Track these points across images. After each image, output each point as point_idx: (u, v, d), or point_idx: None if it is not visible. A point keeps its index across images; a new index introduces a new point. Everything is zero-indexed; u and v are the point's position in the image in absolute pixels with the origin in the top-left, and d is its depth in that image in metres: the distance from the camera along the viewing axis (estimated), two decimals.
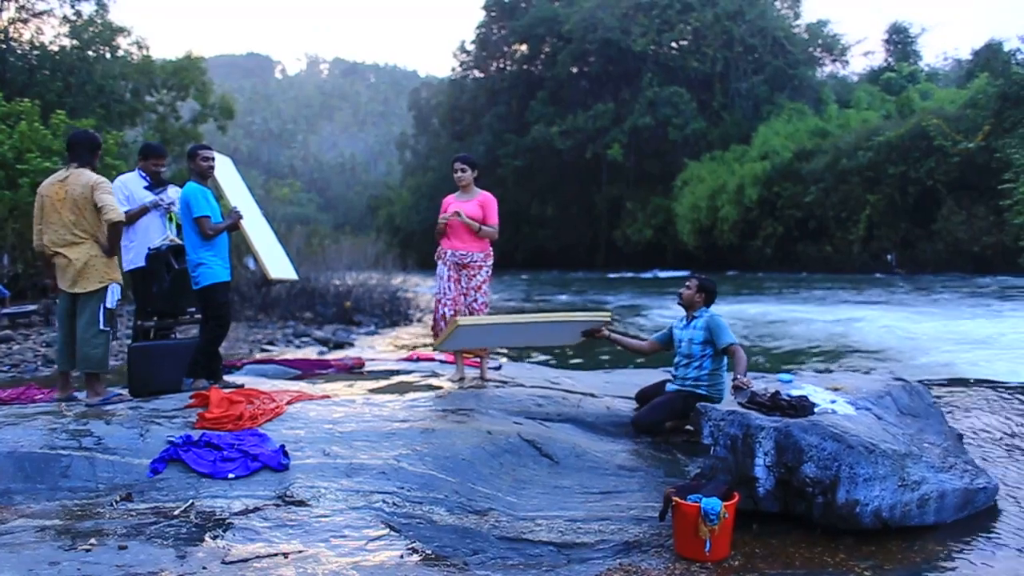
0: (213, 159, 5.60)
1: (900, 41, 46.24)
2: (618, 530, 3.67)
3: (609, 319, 5.34)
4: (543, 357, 11.48)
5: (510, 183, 51.64)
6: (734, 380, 4.50)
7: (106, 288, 5.21)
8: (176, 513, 3.46)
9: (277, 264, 6.36)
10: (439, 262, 5.84)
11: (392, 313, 18.31)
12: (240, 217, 5.64)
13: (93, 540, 3.14)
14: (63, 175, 5.22)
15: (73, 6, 26.06)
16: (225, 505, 3.58)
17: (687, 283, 5.20)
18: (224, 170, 6.03)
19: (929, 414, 4.57)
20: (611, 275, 40.55)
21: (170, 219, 5.97)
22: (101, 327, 5.22)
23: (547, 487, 4.13)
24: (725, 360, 5.01)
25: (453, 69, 62.66)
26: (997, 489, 4.05)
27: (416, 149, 70.47)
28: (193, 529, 3.29)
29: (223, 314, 5.48)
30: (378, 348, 13.05)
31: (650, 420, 4.97)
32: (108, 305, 5.24)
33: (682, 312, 5.22)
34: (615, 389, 5.83)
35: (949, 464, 3.97)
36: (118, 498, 3.66)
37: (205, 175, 5.54)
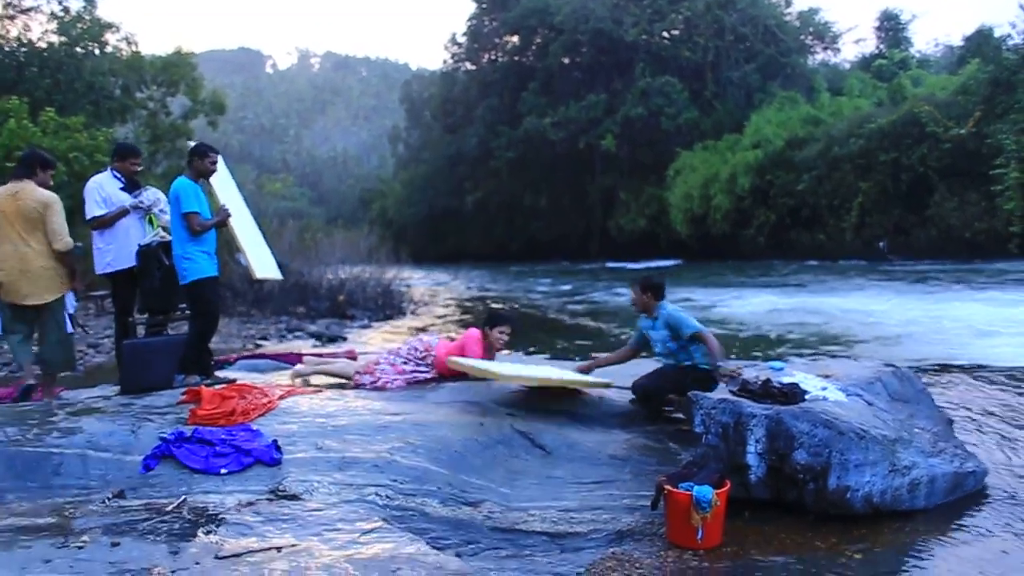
0: (217, 163, 5.62)
1: (891, 28, 46.17)
2: (611, 519, 3.69)
3: (610, 385, 5.38)
4: (535, 348, 11.48)
5: (503, 175, 51.54)
6: (715, 370, 4.52)
7: (64, 295, 5.47)
8: (169, 509, 3.46)
9: (263, 264, 6.37)
10: None
11: (385, 306, 18.29)
12: (229, 215, 5.63)
13: (86, 537, 3.14)
14: (14, 189, 5.34)
15: (60, 2, 25.86)
16: (218, 500, 3.58)
17: (632, 289, 5.27)
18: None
19: (919, 399, 4.60)
20: (610, 264, 40.57)
21: (149, 221, 5.90)
22: (68, 330, 5.47)
23: (540, 477, 4.14)
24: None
25: (445, 61, 62.50)
26: (986, 472, 4.08)
27: (408, 142, 70.25)
28: (186, 525, 3.29)
29: (211, 310, 5.48)
30: (372, 341, 13.04)
31: (654, 386, 5.01)
32: (69, 310, 5.49)
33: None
34: (608, 377, 5.83)
35: (939, 449, 4.00)
36: (110, 495, 3.66)
37: (206, 175, 5.54)
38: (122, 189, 5.89)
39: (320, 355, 7.49)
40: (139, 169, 6.13)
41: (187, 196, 5.32)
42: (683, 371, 4.97)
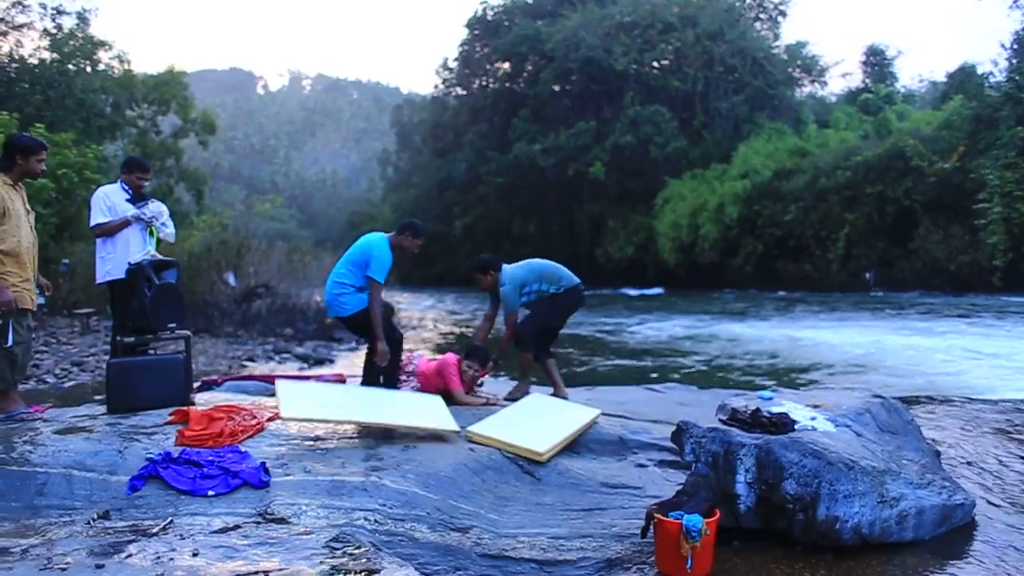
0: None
1: (877, 63, 46.91)
2: (600, 547, 3.67)
3: (599, 414, 5.45)
4: (535, 376, 11.44)
5: (492, 200, 51.70)
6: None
7: None
8: (155, 531, 3.42)
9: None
10: None
11: None
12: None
13: (69, 559, 3.09)
14: None
15: (54, 20, 25.93)
16: (205, 523, 3.54)
17: (477, 279, 6.10)
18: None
19: (907, 431, 4.61)
20: (604, 291, 40.29)
21: (151, 233, 5.97)
22: (7, 344, 5.21)
23: (529, 504, 4.12)
24: (551, 279, 6.04)
25: (436, 86, 62.85)
26: (974, 505, 4.09)
27: (398, 166, 70.44)
28: (172, 547, 3.25)
29: (393, 336, 5.74)
30: (359, 364, 12.97)
31: (524, 327, 5.94)
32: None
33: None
34: (596, 406, 5.83)
35: (927, 480, 4.01)
36: (95, 516, 3.61)
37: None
38: (128, 200, 5.94)
39: (307, 377, 7.46)
40: (145, 184, 6.17)
41: (382, 256, 5.62)
42: (542, 301, 6.01)
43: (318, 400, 4.76)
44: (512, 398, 5.85)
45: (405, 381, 5.89)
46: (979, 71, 35.00)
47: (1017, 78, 27.79)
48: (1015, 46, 28.60)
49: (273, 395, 6.54)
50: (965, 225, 29.07)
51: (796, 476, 3.68)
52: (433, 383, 5.75)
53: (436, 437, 4.76)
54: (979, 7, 57.31)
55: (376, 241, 5.68)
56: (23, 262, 5.25)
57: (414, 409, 4.98)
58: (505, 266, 6.08)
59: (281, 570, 3.05)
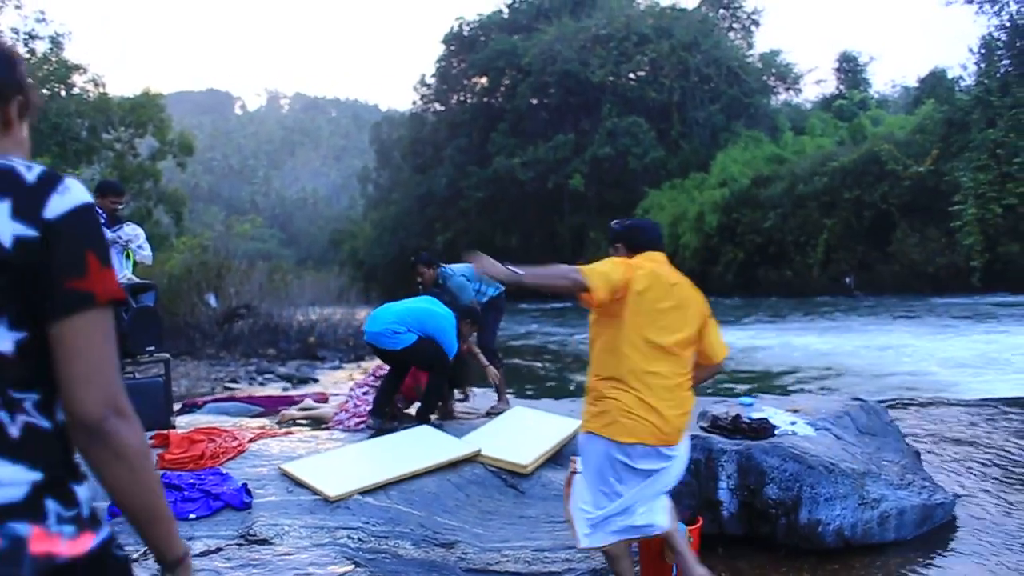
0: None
1: (850, 69, 47.43)
2: (585, 558, 3.67)
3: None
4: (511, 388, 11.43)
5: (473, 215, 51.72)
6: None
7: None
8: (135, 556, 3.39)
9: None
10: None
11: (356, 347, 18.18)
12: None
13: None
14: None
15: (27, 44, 25.75)
16: (212, 541, 3.51)
17: (418, 274, 6.30)
18: None
19: (887, 432, 4.66)
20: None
21: (127, 256, 5.93)
22: None
23: (513, 517, 4.12)
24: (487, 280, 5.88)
25: (414, 103, 62.80)
26: (954, 504, 4.13)
27: (378, 183, 70.35)
28: (153, 573, 3.22)
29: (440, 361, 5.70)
30: (343, 382, 12.93)
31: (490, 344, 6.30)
32: None
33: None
34: (580, 417, 5.85)
35: (907, 481, 4.05)
36: None
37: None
38: (102, 224, 5.88)
39: (291, 399, 7.44)
40: (119, 208, 6.15)
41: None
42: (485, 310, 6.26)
43: (342, 470, 4.44)
44: (494, 412, 5.85)
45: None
46: (950, 75, 35.51)
47: (986, 82, 28.23)
48: (983, 50, 29.06)
49: (257, 415, 6.51)
50: (941, 227, 29.39)
51: (777, 481, 3.70)
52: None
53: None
54: (948, 13, 58.23)
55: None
56: None
57: (426, 447, 4.79)
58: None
59: None
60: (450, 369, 5.56)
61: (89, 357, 1.09)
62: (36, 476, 1.08)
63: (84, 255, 1.10)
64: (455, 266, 6.36)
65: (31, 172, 1.11)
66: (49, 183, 1.11)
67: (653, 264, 3.15)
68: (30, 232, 1.07)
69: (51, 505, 1.08)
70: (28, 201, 1.08)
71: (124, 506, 1.17)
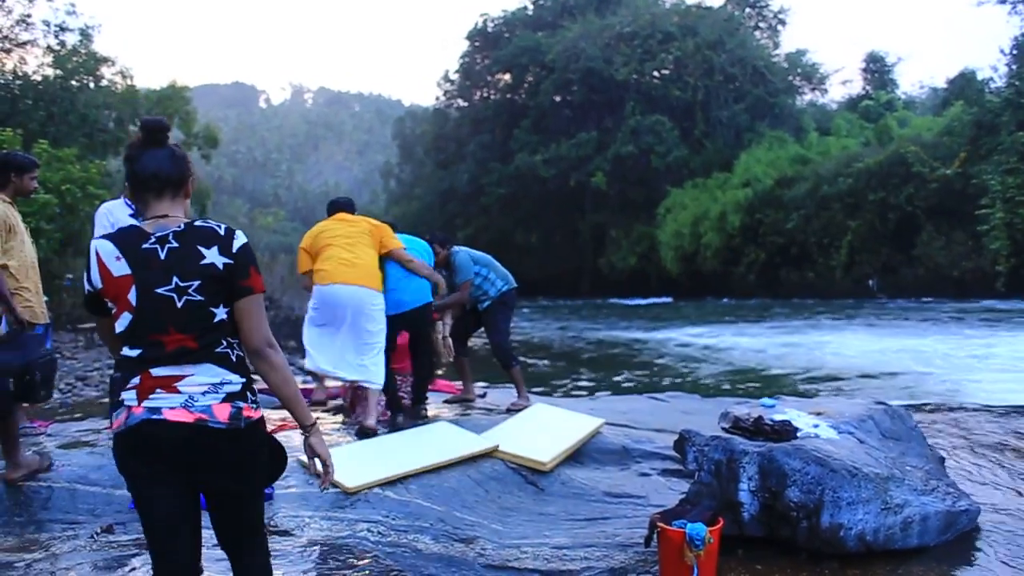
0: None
1: (877, 70, 46.95)
2: (603, 556, 3.66)
3: (602, 423, 5.43)
4: (528, 384, 11.44)
5: (494, 211, 51.71)
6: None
7: None
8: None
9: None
10: None
11: None
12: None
13: (73, 573, 3.10)
14: None
15: (57, 36, 26.05)
16: (208, 536, 3.54)
17: (435, 250, 6.15)
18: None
19: (911, 437, 4.60)
20: (645, 301, 39.22)
21: None
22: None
23: (532, 514, 4.12)
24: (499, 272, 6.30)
25: (437, 98, 62.89)
26: (979, 511, 4.08)
27: (400, 178, 70.52)
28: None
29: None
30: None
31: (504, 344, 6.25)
32: None
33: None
34: (599, 415, 5.83)
35: (931, 487, 4.00)
36: (99, 529, 3.62)
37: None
38: (131, 216, 5.92)
39: (310, 390, 7.47)
40: None
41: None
42: (496, 307, 6.24)
43: (361, 463, 4.43)
44: (515, 409, 5.85)
45: None
46: (979, 77, 35.09)
47: (1017, 83, 27.82)
48: (1015, 51, 28.66)
49: (277, 407, 6.55)
50: (968, 231, 29.03)
51: (799, 483, 3.67)
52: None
53: None
54: (979, 13, 57.47)
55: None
56: (32, 277, 5.24)
57: (443, 441, 4.78)
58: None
59: None
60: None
61: (253, 318, 2.13)
62: (243, 379, 2.12)
63: (249, 268, 2.12)
64: (473, 252, 6.44)
65: (221, 228, 2.13)
66: (231, 234, 2.14)
67: None
68: (228, 260, 2.09)
69: (248, 394, 2.11)
70: (224, 244, 2.10)
71: (279, 395, 2.19)
